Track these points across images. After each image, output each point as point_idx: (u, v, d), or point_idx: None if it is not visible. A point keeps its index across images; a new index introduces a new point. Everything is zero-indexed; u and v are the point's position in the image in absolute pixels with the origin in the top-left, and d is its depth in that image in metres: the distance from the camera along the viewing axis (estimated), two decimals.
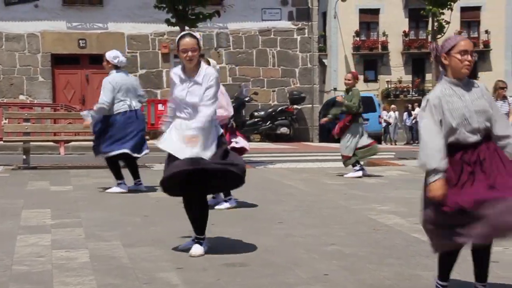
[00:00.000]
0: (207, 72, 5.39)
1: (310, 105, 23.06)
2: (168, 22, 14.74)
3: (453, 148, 3.99)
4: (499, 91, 13.01)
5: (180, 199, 5.57)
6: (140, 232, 6.28)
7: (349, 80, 11.49)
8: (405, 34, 41.67)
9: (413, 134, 31.54)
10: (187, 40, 5.32)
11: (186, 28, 14.14)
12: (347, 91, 11.49)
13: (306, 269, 4.91)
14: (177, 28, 14.83)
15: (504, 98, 13.10)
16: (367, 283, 4.55)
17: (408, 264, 5.03)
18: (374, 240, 5.99)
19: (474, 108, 3.97)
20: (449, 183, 3.95)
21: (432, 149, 3.91)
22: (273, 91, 22.82)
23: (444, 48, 4.04)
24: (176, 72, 5.47)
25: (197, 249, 5.34)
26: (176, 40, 5.41)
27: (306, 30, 22.78)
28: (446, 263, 4.09)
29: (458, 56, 3.98)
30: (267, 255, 5.36)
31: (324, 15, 41.23)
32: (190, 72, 5.38)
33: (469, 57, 3.99)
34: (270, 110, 22.34)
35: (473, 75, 38.33)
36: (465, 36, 4.53)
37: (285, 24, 22.63)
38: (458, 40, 4.03)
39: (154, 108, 20.63)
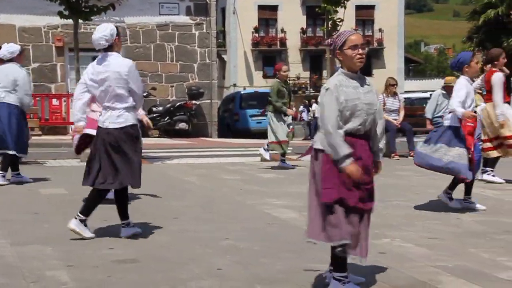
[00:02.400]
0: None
1: (209, 101, 23.03)
2: (61, 14, 14.32)
3: (354, 142, 4.14)
4: (390, 88, 13.45)
5: (71, 197, 5.44)
6: (30, 230, 6.09)
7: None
8: (303, 31, 42.36)
9: (311, 130, 32.13)
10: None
11: (80, 21, 13.81)
12: (286, 82, 11.99)
13: (200, 264, 4.90)
14: (71, 21, 14.47)
15: (394, 94, 13.56)
16: (260, 277, 4.58)
17: (302, 258, 5.10)
18: (268, 234, 6.04)
19: (365, 101, 4.16)
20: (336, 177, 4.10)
21: (339, 138, 4.05)
22: (172, 86, 22.65)
23: (336, 44, 4.22)
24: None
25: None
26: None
27: (205, 26, 22.73)
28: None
29: (350, 52, 4.16)
30: (161, 251, 5.31)
31: (223, 10, 41.32)
32: None
33: (360, 51, 4.17)
34: (168, 105, 22.17)
35: (367, 72, 39.45)
36: (360, 33, 4.65)
37: (183, 19, 22.50)
38: (347, 36, 4.20)
39: (48, 103, 20.06)
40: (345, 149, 4.03)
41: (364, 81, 4.25)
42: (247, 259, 5.05)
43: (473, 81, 7.64)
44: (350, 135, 4.13)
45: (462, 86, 7.25)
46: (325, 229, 4.10)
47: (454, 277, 4.52)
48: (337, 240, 4.07)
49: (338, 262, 4.20)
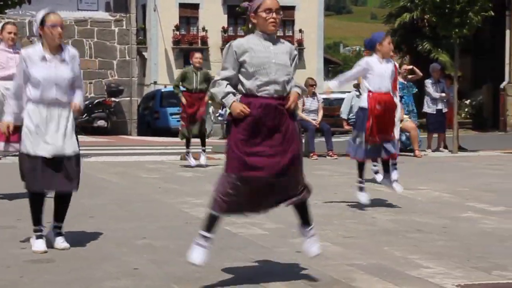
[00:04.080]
0: (73, 51, 5.35)
1: (129, 98, 22.80)
2: None
3: (252, 101, 4.20)
4: (309, 88, 13.61)
5: None
6: None
7: (201, 58, 11.85)
8: (224, 30, 42.37)
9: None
10: (57, 16, 5.19)
11: None
12: (198, 69, 11.65)
13: (115, 263, 4.83)
14: None
15: (313, 95, 13.75)
16: (176, 275, 4.55)
17: (219, 257, 5.08)
18: (186, 233, 6.01)
19: (276, 61, 4.22)
20: (242, 140, 4.25)
21: (220, 91, 4.23)
22: (90, 83, 22.30)
23: (252, 7, 4.31)
24: (33, 52, 5.21)
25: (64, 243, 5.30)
26: (40, 16, 5.18)
27: (124, 22, 22.45)
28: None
29: (264, 14, 4.25)
30: (75, 250, 5.22)
31: (143, 7, 40.89)
32: (54, 51, 5.22)
33: (274, 15, 4.26)
34: (86, 102, 21.78)
35: None
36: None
37: (103, 15, 22.16)
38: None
39: None
40: (221, 96, 4.21)
41: (278, 43, 4.29)
42: (164, 258, 5.01)
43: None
44: (251, 96, 4.18)
45: (359, 64, 7.44)
46: None
47: (368, 275, 4.62)
48: None
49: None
